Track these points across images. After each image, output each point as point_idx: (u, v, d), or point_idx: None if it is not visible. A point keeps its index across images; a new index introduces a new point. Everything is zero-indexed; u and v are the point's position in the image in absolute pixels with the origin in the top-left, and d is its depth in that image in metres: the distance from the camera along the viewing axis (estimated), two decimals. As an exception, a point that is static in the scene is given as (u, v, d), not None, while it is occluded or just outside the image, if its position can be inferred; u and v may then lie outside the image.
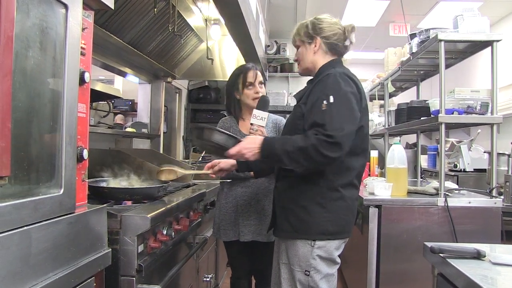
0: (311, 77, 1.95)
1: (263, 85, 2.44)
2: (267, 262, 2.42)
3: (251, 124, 2.21)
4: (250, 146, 1.74)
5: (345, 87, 1.71)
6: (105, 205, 1.45)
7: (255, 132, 2.19)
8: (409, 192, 2.77)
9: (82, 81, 1.30)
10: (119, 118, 4.58)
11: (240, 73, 2.44)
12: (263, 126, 2.20)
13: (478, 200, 2.61)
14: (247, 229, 2.35)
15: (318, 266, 1.74)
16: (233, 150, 1.75)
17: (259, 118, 2.20)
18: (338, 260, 1.81)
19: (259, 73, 2.43)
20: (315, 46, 1.88)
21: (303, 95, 1.88)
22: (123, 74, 3.56)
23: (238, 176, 2.37)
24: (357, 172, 1.82)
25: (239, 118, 2.47)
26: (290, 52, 6.69)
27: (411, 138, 5.97)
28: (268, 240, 2.33)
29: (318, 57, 1.89)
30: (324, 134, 1.61)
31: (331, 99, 1.66)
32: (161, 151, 4.11)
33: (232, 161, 2.13)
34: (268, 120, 2.44)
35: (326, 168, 1.73)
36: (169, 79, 4.26)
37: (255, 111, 2.22)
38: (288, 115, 6.79)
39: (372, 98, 4.83)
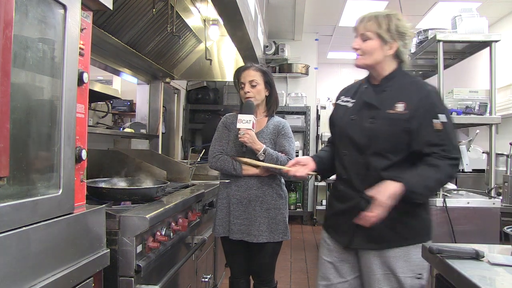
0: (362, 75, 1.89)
1: (258, 85, 2.40)
2: (262, 263, 2.43)
3: (238, 129, 2.29)
4: (389, 201, 1.60)
5: (445, 104, 1.77)
6: (103, 205, 1.44)
7: (242, 136, 2.27)
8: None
9: (80, 81, 1.30)
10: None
11: (235, 74, 2.50)
12: (249, 129, 2.27)
13: (476, 201, 2.61)
14: (236, 228, 2.38)
15: (427, 266, 1.75)
16: (378, 211, 1.61)
17: (245, 122, 2.28)
18: None
19: (250, 72, 2.41)
20: (390, 49, 1.74)
21: (378, 98, 1.77)
22: (121, 74, 3.55)
23: (231, 173, 2.40)
24: None
25: None
26: (288, 53, 6.69)
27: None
28: (258, 241, 2.35)
29: (386, 61, 1.77)
30: (449, 157, 1.64)
31: (444, 118, 1.65)
32: (160, 152, 4.10)
33: (312, 167, 1.95)
34: (269, 122, 2.45)
35: None
36: (167, 80, 4.26)
37: (240, 116, 2.29)
38: (286, 116, 6.72)
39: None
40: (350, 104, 1.85)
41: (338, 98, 1.94)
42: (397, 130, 1.68)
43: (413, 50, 3.16)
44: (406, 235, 1.72)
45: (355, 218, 1.70)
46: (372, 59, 1.76)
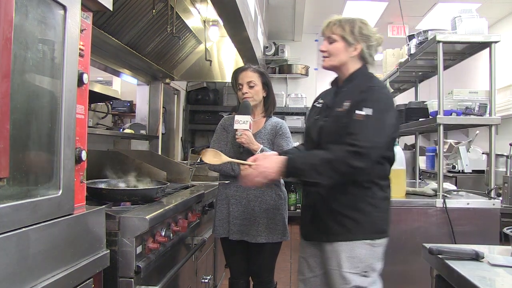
0: (334, 76, 1.97)
1: (256, 86, 2.42)
2: (261, 263, 2.44)
3: (235, 130, 2.29)
4: (270, 166, 1.72)
5: (386, 104, 1.75)
6: (103, 206, 1.44)
7: (240, 137, 2.28)
8: (408, 194, 2.77)
9: (80, 82, 1.30)
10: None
11: (233, 75, 2.51)
12: (247, 129, 2.28)
13: (476, 202, 2.61)
14: (236, 228, 2.38)
15: (375, 265, 1.76)
16: (252, 173, 1.75)
17: (242, 122, 2.29)
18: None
19: (248, 73, 2.43)
20: (355, 50, 1.82)
21: (335, 98, 1.87)
22: (121, 75, 3.55)
23: (229, 173, 2.40)
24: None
25: None
26: (288, 54, 6.69)
27: (410, 140, 5.98)
28: (257, 241, 2.35)
29: (350, 61, 1.84)
30: (351, 144, 1.63)
31: (369, 111, 1.67)
32: (159, 153, 4.10)
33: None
34: (267, 122, 2.46)
35: (372, 172, 1.76)
36: (167, 81, 4.27)
37: (237, 117, 2.30)
38: (286, 116, 6.73)
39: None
40: (320, 106, 1.96)
41: (315, 101, 2.03)
42: (339, 125, 1.75)
43: (412, 51, 3.16)
44: (350, 229, 1.75)
45: (313, 212, 1.84)
46: (337, 60, 1.84)
